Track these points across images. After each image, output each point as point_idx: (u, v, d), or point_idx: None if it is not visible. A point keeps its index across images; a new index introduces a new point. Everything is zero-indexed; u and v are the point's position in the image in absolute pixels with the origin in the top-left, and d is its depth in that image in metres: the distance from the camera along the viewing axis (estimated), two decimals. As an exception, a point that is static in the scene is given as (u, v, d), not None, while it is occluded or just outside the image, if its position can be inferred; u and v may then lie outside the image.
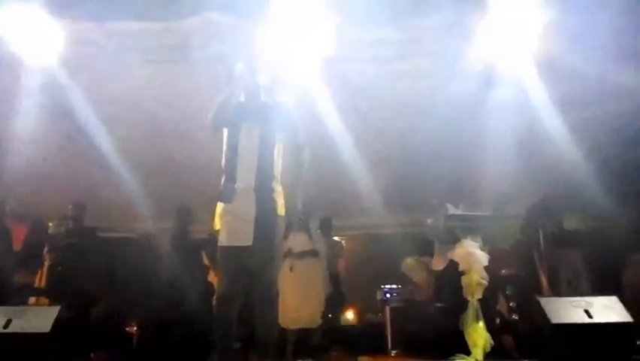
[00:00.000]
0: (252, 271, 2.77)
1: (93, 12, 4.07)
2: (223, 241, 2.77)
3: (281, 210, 2.84)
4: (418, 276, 6.61)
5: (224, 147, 2.92)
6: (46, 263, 5.19)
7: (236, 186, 2.78)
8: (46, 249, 5.24)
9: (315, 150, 5.37)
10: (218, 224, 2.85)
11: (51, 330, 3.80)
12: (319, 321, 5.04)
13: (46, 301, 5.22)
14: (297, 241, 5.11)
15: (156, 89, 4.90)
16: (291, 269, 5.00)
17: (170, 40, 4.37)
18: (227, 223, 2.77)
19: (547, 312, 3.99)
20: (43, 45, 4.24)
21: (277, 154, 2.92)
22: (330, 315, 5.38)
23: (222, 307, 2.76)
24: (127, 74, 4.68)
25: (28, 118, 4.90)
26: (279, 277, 2.99)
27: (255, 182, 2.76)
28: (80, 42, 4.30)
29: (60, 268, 5.13)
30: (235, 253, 2.73)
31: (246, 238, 2.69)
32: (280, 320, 4.72)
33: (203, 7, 4.10)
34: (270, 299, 2.78)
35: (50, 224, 5.30)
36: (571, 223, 5.54)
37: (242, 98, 3.02)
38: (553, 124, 5.09)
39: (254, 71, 3.00)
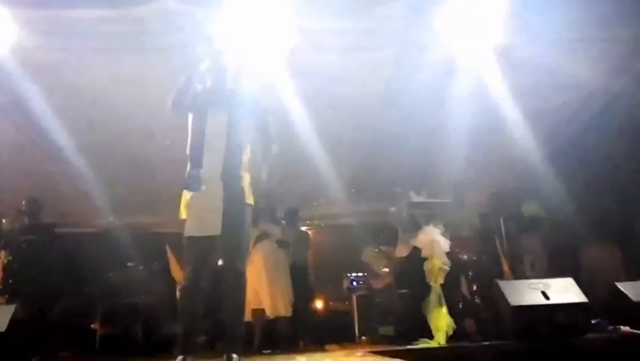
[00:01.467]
0: (220, 262, 2.74)
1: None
2: (190, 231, 2.70)
3: (249, 199, 2.80)
4: (378, 264, 6.75)
5: (189, 133, 2.85)
6: (1, 260, 5.00)
7: (202, 173, 2.71)
8: (0, 246, 5.05)
9: (279, 140, 5.43)
10: (184, 214, 2.79)
11: (7, 329, 3.69)
12: (289, 311, 5.05)
13: (2, 300, 5.05)
14: (268, 231, 5.11)
15: (113, 78, 4.75)
16: (264, 257, 4.98)
17: (126, 28, 4.24)
18: (194, 213, 2.70)
19: (506, 295, 4.12)
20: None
21: (245, 141, 2.87)
22: (297, 305, 5.38)
23: (187, 299, 2.71)
24: (82, 63, 4.53)
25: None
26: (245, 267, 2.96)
27: (222, 169, 2.70)
28: (33, 31, 4.12)
29: (16, 266, 4.95)
30: (202, 243, 2.67)
31: (213, 227, 2.63)
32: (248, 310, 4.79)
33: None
34: (239, 290, 2.74)
35: (4, 220, 5.10)
36: (529, 209, 5.70)
37: (208, 84, 2.95)
38: (510, 114, 5.21)
39: (218, 55, 2.93)
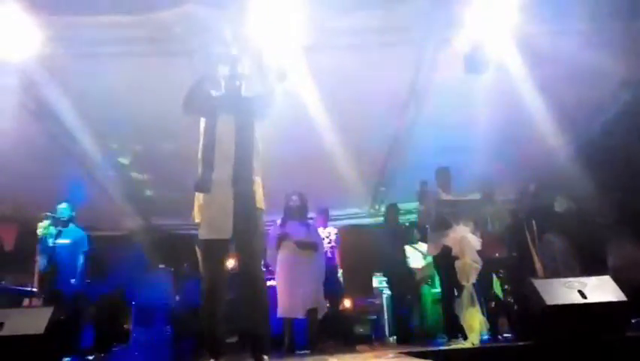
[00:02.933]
0: (234, 264, 2.76)
1: (69, 6, 3.99)
2: (204, 234, 2.74)
3: (260, 203, 2.81)
4: (414, 262, 6.66)
5: (201, 137, 2.86)
6: (37, 265, 5.13)
7: (213, 176, 2.73)
8: (37, 250, 5.18)
9: (300, 142, 5.42)
10: (197, 216, 2.81)
11: (45, 331, 3.75)
12: (318, 312, 5.02)
13: (39, 302, 5.18)
14: (296, 232, 5.09)
15: (136, 82, 4.82)
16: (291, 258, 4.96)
17: (147, 32, 4.30)
18: (207, 216, 2.73)
19: (541, 293, 4.02)
20: (19, 42, 4.14)
21: (256, 145, 2.88)
22: (327, 305, 5.37)
23: (208, 302, 2.74)
24: (106, 68, 4.60)
25: (9, 118, 4.81)
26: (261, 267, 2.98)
27: (232, 174, 2.71)
28: (58, 38, 4.21)
29: (51, 269, 5.07)
30: (216, 245, 2.70)
31: (225, 231, 2.65)
32: (281, 311, 4.79)
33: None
34: (258, 293, 2.77)
35: (39, 225, 5.22)
36: (561, 206, 5.56)
37: (222, 89, 2.97)
38: (537, 108, 5.11)
39: (234, 61, 2.95)
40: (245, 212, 2.70)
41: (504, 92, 5.07)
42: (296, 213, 5.19)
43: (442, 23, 4.40)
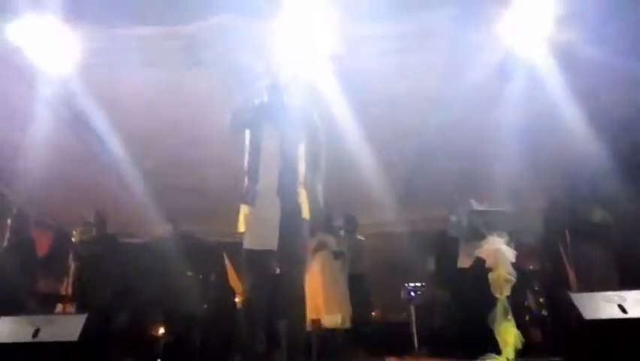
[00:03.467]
0: (278, 274, 2.74)
1: (105, 19, 4.08)
2: (249, 244, 2.73)
3: (305, 214, 2.80)
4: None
5: (247, 149, 2.88)
6: (72, 271, 5.23)
7: (258, 188, 2.74)
8: (70, 257, 5.28)
9: (330, 149, 5.41)
10: (242, 226, 2.82)
11: (79, 338, 3.80)
12: (347, 322, 4.99)
13: (72, 308, 5.28)
14: (323, 241, 5.08)
15: (169, 93, 4.90)
16: (321, 268, 4.95)
17: (180, 43, 4.37)
18: (252, 227, 2.73)
19: (579, 308, 3.90)
20: (58, 53, 4.26)
21: (300, 156, 2.88)
22: (355, 315, 5.33)
23: (249, 311, 2.74)
24: (141, 79, 4.69)
25: (45, 127, 4.93)
26: (305, 278, 2.95)
27: (277, 185, 2.72)
28: (94, 49, 4.31)
29: (85, 276, 5.16)
30: (261, 256, 2.70)
31: (270, 242, 2.65)
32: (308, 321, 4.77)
33: (212, 9, 4.10)
34: (297, 302, 2.75)
35: (74, 232, 5.33)
36: (597, 216, 5.40)
37: (264, 99, 2.98)
38: (570, 115, 4.99)
39: (275, 72, 2.96)
40: (290, 223, 2.70)
41: (536, 99, 4.98)
42: (323, 222, 5.17)
43: (473, 29, 4.35)
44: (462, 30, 4.35)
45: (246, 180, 2.82)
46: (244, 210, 2.81)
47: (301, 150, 2.89)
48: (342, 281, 5.00)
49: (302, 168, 2.87)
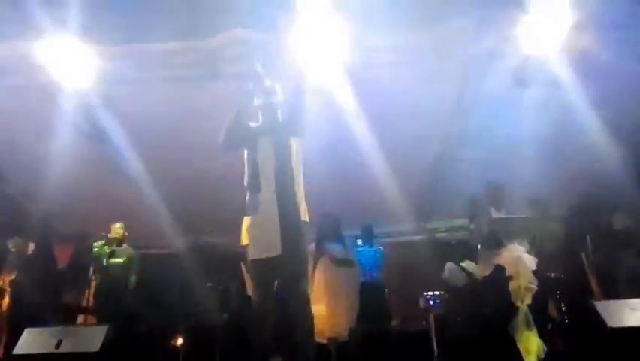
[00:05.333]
0: (284, 281, 2.77)
1: (124, 36, 4.18)
2: (253, 255, 2.78)
3: (304, 215, 2.85)
4: (459, 282, 6.50)
5: (245, 165, 2.95)
6: (93, 283, 5.30)
7: (260, 198, 2.80)
8: (92, 269, 5.35)
9: (344, 159, 5.43)
10: (245, 239, 2.88)
11: (100, 349, 3.85)
12: (345, 333, 4.94)
13: (93, 320, 5.34)
14: (331, 249, 5.06)
15: (189, 106, 4.97)
16: (324, 281, 4.93)
17: (196, 57, 4.45)
18: (255, 236, 2.80)
19: (603, 316, 3.83)
20: (78, 70, 4.37)
21: (296, 160, 2.93)
22: (372, 325, 5.29)
23: (258, 320, 2.78)
24: (158, 94, 4.77)
25: (68, 141, 5.04)
26: (309, 285, 2.99)
27: (276, 195, 2.78)
28: (112, 65, 4.41)
29: (105, 288, 5.23)
30: (266, 264, 2.74)
31: (274, 248, 2.70)
32: (327, 333, 4.77)
33: (227, 24, 4.17)
34: (304, 310, 2.79)
35: (95, 245, 5.41)
36: (620, 222, 5.32)
37: (260, 120, 3.06)
38: (589, 122, 4.96)
39: (269, 91, 3.01)
40: (290, 225, 2.75)
41: (554, 106, 4.95)
42: (330, 231, 5.16)
43: (490, 38, 4.35)
44: (478, 38, 4.35)
45: (247, 193, 2.88)
46: (246, 222, 2.88)
47: (296, 154, 2.94)
48: (347, 291, 4.95)
49: (299, 170, 2.92)
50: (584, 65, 4.50)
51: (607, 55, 4.40)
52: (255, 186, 2.84)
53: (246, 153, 3.00)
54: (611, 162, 5.66)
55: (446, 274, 6.60)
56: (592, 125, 5.02)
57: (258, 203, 2.80)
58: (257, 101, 3.05)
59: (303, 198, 2.87)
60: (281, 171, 2.83)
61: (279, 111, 3.06)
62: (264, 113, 3.06)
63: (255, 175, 2.87)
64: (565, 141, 5.49)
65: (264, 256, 2.72)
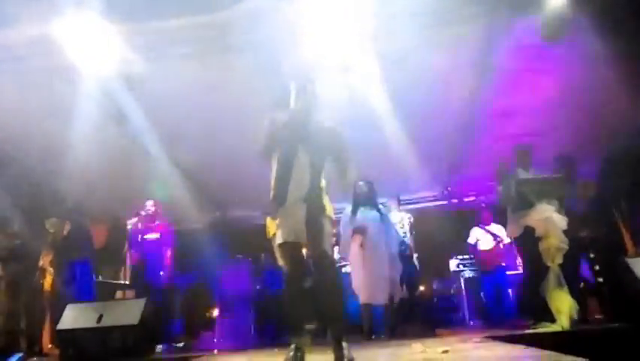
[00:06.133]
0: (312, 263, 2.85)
1: (141, 13, 4.17)
2: (280, 239, 2.82)
3: (330, 213, 2.90)
4: (486, 245, 6.49)
5: (274, 167, 2.93)
6: (129, 259, 5.47)
7: (288, 197, 2.83)
8: (126, 246, 5.52)
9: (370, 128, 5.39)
10: (271, 231, 2.91)
11: (139, 321, 4.01)
12: (381, 297, 5.00)
13: (132, 294, 5.54)
14: (367, 218, 5.08)
15: (207, 82, 4.97)
16: (362, 246, 4.99)
17: (215, 32, 4.42)
18: (283, 225, 2.83)
19: (636, 272, 3.78)
20: (99, 50, 4.39)
21: (324, 170, 2.97)
22: (404, 290, 5.34)
23: (289, 290, 2.86)
24: (175, 70, 4.77)
25: (93, 122, 5.12)
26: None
27: (305, 195, 2.82)
28: (132, 44, 4.42)
29: (142, 262, 5.39)
30: (293, 245, 2.80)
31: (300, 236, 2.76)
32: (364, 298, 4.86)
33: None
34: (333, 281, 2.86)
35: (129, 222, 5.55)
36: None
37: (294, 120, 3.00)
38: (619, 77, 4.78)
39: (306, 81, 2.98)
40: (316, 219, 2.81)
41: (581, 61, 4.78)
42: (365, 200, 5.18)
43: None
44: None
45: (272, 194, 2.89)
46: (269, 220, 2.91)
47: (327, 165, 2.97)
48: (383, 259, 5.00)
49: (324, 180, 2.96)
50: (613, 17, 4.31)
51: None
52: (283, 191, 2.84)
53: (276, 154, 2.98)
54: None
55: (471, 239, 6.61)
56: (624, 80, 4.85)
57: (285, 202, 2.82)
58: (292, 96, 2.97)
59: (327, 197, 2.93)
60: (313, 183, 2.85)
61: (310, 111, 2.98)
62: (294, 113, 2.98)
63: (284, 182, 2.85)
64: (597, 97, 5.32)
65: (292, 240, 2.78)
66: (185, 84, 4.97)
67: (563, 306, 3.86)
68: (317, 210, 2.85)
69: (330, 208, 2.94)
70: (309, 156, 2.88)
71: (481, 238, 6.54)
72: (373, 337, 4.98)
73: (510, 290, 6.17)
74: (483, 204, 7.18)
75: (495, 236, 6.43)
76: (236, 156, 6.12)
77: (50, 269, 5.17)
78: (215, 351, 5.32)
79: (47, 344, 5.04)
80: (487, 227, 6.56)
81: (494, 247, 6.39)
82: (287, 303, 2.89)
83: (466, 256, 6.82)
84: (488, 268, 6.33)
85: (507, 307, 5.99)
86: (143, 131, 5.51)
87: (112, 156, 5.82)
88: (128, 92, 4.94)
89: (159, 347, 5.15)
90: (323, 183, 2.95)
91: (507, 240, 6.26)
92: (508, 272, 6.30)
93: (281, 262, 2.92)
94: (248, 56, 4.57)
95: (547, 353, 2.41)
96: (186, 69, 4.80)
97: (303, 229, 2.77)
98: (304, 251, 2.95)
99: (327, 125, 3.01)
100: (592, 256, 4.82)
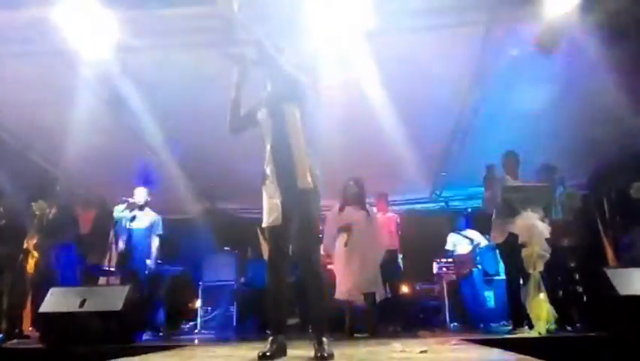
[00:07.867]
0: (295, 246, 2.85)
1: (142, 1, 4.16)
2: (264, 222, 2.85)
3: (304, 184, 2.74)
4: (462, 249, 6.61)
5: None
6: (115, 245, 5.45)
7: (267, 171, 2.84)
8: (112, 232, 5.49)
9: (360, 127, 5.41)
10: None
11: (122, 308, 4.02)
12: (380, 296, 5.05)
13: (117, 280, 5.52)
14: (354, 217, 5.11)
15: (202, 73, 4.96)
16: (346, 244, 5.02)
17: (214, 22, 4.42)
18: (265, 208, 2.85)
19: (614, 284, 3.86)
20: (98, 36, 4.37)
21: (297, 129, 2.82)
22: (387, 290, 5.39)
23: (272, 284, 2.83)
24: (174, 60, 4.76)
25: (86, 108, 5.10)
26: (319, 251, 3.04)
27: (275, 166, 2.80)
28: (131, 31, 4.40)
29: (128, 250, 5.38)
30: (275, 232, 2.80)
31: (276, 219, 2.75)
32: (339, 294, 4.88)
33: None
34: (314, 276, 2.82)
35: (116, 208, 5.53)
36: (637, 192, 5.24)
37: (268, 87, 3.01)
38: (609, 89, 4.85)
39: (269, 60, 2.88)
40: (290, 199, 2.76)
41: (574, 72, 4.83)
42: (354, 198, 5.21)
43: (511, 3, 4.24)
44: (500, 3, 4.25)
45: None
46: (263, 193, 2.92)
47: (299, 126, 2.83)
48: (372, 256, 5.03)
49: (301, 146, 2.81)
50: (607, 31, 4.37)
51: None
52: (264, 161, 2.87)
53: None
54: (633, 130, 5.55)
55: (448, 245, 6.73)
56: (613, 91, 4.91)
57: (266, 177, 2.84)
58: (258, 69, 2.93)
59: (309, 167, 2.78)
60: (277, 143, 2.82)
61: (279, 82, 2.93)
62: (265, 89, 2.99)
63: (262, 151, 2.88)
64: (585, 109, 5.38)
65: (270, 224, 2.79)
66: (181, 74, 4.96)
67: (542, 313, 3.93)
68: (289, 187, 2.74)
69: (304, 177, 2.75)
70: (271, 116, 2.87)
71: (458, 243, 6.68)
72: (355, 335, 5.02)
73: (490, 293, 6.25)
74: (469, 209, 7.27)
75: (471, 240, 6.57)
76: (227, 150, 6.14)
77: (34, 252, 5.15)
78: (196, 341, 5.33)
79: (28, 327, 5.03)
80: (462, 232, 6.70)
81: (471, 251, 6.52)
82: (269, 296, 2.86)
83: (449, 260, 6.90)
84: (466, 272, 6.43)
85: (486, 311, 6.08)
86: (136, 118, 5.49)
87: (103, 142, 5.80)
88: (122, 78, 4.93)
89: (144, 335, 5.14)
90: (300, 159, 2.78)
91: (484, 243, 6.38)
92: (486, 277, 6.39)
93: (264, 248, 2.92)
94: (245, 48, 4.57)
95: (522, 357, 2.45)
96: (183, 58, 4.79)
97: (279, 212, 2.73)
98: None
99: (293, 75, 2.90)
100: (572, 265, 4.90)
